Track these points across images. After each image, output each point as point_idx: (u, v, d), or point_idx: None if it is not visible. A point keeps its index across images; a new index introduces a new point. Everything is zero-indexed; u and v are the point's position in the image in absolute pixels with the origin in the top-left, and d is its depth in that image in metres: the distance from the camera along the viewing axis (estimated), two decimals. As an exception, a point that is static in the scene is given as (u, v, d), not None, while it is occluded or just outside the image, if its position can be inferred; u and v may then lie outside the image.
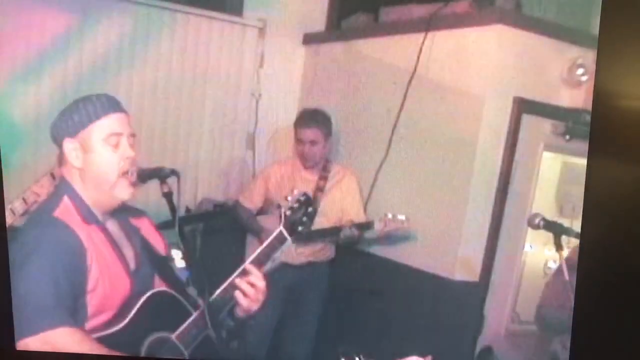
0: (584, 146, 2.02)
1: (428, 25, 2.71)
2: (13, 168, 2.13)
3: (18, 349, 1.61)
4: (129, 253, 1.77)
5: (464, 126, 2.61)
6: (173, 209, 1.71)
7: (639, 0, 1.90)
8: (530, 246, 2.69)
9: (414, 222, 2.69)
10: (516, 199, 2.63)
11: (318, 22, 3.27)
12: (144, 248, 1.80)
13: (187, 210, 3.14)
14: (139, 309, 1.69)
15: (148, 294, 1.71)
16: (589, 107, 2.02)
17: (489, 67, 2.58)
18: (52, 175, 1.87)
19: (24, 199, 1.87)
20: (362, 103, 3.00)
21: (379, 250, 2.87)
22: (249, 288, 1.76)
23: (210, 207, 3.19)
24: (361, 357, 1.72)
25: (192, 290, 1.75)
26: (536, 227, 2.13)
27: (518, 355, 2.77)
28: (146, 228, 1.85)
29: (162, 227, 1.89)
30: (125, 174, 1.71)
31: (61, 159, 1.73)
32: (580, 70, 2.57)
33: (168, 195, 1.70)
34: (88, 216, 1.70)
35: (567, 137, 2.60)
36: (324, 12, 3.27)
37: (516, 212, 2.63)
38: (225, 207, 3.15)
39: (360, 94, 3.02)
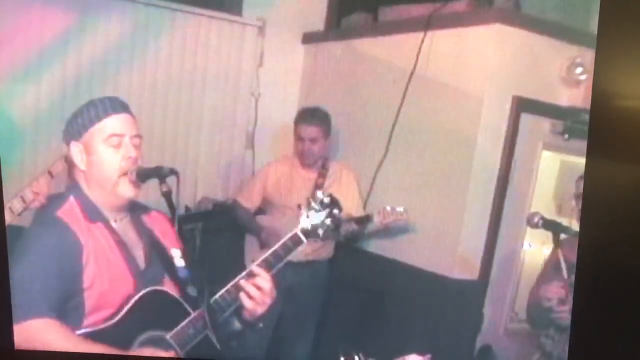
0: (583, 145, 2.02)
1: (427, 24, 2.72)
2: (12, 167, 2.14)
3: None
4: (138, 252, 1.79)
5: (462, 125, 2.61)
6: (172, 208, 1.73)
7: (637, -1, 1.91)
8: (529, 245, 2.69)
9: (413, 222, 2.69)
10: (515, 198, 2.63)
11: (317, 21, 3.27)
12: (155, 248, 1.81)
13: (187, 209, 3.14)
14: (131, 307, 1.70)
15: (142, 292, 1.72)
16: (588, 106, 2.02)
17: (488, 66, 2.58)
18: (50, 174, 1.88)
19: (22, 198, 1.88)
20: (361, 102, 3.00)
21: (378, 249, 2.87)
22: (256, 291, 1.74)
23: (210, 206, 3.19)
24: (361, 355, 1.72)
25: (191, 290, 1.75)
26: (535, 225, 2.14)
27: (517, 353, 2.78)
28: (161, 227, 1.86)
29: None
30: (125, 173, 1.72)
31: (71, 162, 1.76)
32: (579, 69, 2.57)
33: (167, 195, 1.71)
34: (93, 215, 1.74)
35: (566, 136, 2.61)
36: (323, 12, 3.26)
37: (515, 210, 2.63)
38: (224, 206, 3.15)
39: (359, 92, 3.02)
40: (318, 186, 2.77)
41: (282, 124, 2.92)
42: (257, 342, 2.73)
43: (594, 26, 1.98)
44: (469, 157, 2.59)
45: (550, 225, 2.12)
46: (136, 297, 1.71)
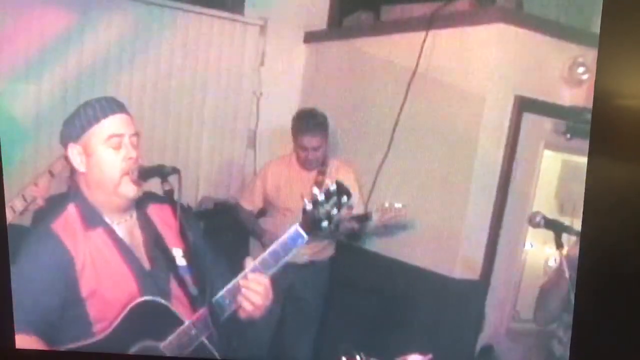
0: (585, 145, 2.02)
1: (429, 23, 2.71)
2: (13, 166, 2.14)
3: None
4: (142, 254, 1.76)
5: (464, 124, 2.61)
6: (174, 206, 1.72)
7: (640, -2, 1.90)
8: (531, 244, 2.69)
9: (415, 221, 2.69)
10: (517, 197, 2.63)
11: (319, 20, 3.27)
12: (157, 246, 1.79)
13: (188, 208, 3.14)
14: (123, 318, 1.68)
15: (132, 304, 1.69)
16: (590, 105, 2.02)
17: (489, 66, 2.58)
18: (51, 173, 1.88)
19: (23, 197, 1.88)
20: (363, 101, 3.00)
21: (379, 249, 2.87)
22: (253, 294, 1.72)
23: (211, 205, 3.19)
24: (362, 355, 1.72)
25: (193, 289, 1.74)
26: (537, 225, 2.13)
27: (518, 353, 2.77)
28: (165, 221, 1.81)
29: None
30: (127, 173, 1.71)
31: (70, 166, 1.75)
32: (581, 69, 2.57)
33: (169, 193, 1.70)
34: (93, 220, 1.72)
35: (568, 135, 2.60)
36: (325, 11, 3.26)
37: (517, 210, 2.63)
38: (226, 206, 3.15)
39: (361, 91, 3.01)
40: (317, 184, 2.76)
41: (284, 122, 2.91)
42: (258, 342, 2.74)
43: (596, 26, 1.97)
44: (471, 157, 2.59)
45: (551, 225, 2.11)
46: (128, 308, 1.68)
